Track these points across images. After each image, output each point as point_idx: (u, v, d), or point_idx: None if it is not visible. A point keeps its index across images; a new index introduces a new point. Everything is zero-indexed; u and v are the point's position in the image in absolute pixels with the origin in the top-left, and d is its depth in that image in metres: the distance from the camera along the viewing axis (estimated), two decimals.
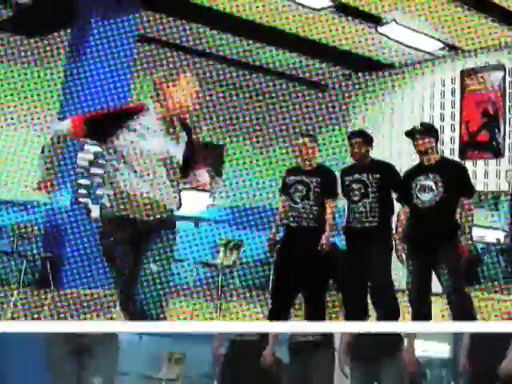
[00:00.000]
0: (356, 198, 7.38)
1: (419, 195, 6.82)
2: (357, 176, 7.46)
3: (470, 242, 6.71)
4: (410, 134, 7.08)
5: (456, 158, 13.84)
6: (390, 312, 7.20)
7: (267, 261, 13.26)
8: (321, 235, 7.32)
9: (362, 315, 7.38)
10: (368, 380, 4.99)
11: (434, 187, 6.69)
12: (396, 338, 4.91)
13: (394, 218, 7.37)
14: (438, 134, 7.42)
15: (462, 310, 6.64)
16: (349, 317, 7.41)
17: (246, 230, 13.49)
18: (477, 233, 17.29)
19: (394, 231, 7.29)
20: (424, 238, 6.76)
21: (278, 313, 7.42)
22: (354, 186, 7.42)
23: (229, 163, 17.31)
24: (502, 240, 19.52)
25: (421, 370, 6.49)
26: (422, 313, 6.80)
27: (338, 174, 7.74)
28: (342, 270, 7.61)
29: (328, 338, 5.10)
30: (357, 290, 7.38)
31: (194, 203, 15.39)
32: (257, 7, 11.97)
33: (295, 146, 7.75)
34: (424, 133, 6.94)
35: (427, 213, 6.75)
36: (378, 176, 7.36)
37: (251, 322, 7.30)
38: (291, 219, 7.54)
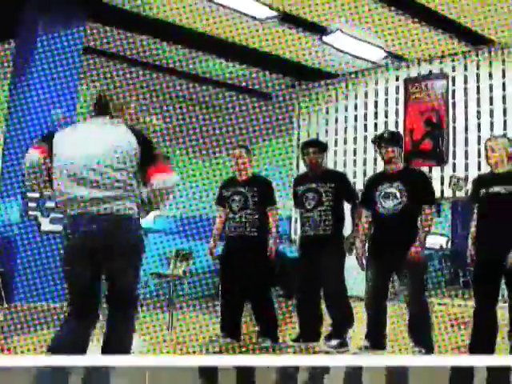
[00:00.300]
0: (310, 207, 7.44)
1: (383, 202, 6.92)
2: (311, 185, 7.52)
3: (421, 248, 6.81)
4: (376, 141, 7.24)
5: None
6: (343, 317, 7.30)
7: (217, 270, 13.30)
8: (262, 243, 7.48)
9: (317, 321, 7.47)
10: None
11: (397, 195, 6.77)
12: None
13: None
14: (403, 142, 7.57)
15: (422, 319, 6.76)
16: (303, 323, 7.50)
17: (194, 240, 13.48)
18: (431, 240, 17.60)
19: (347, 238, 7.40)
20: (386, 245, 6.84)
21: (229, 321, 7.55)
22: (308, 194, 7.48)
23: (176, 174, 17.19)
24: (445, 246, 19.89)
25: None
26: (377, 319, 6.88)
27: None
28: (296, 277, 7.69)
29: None
30: (311, 297, 7.47)
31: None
32: (202, 18, 12.00)
33: (231, 157, 7.92)
34: (390, 141, 7.06)
35: (390, 220, 6.85)
36: (332, 185, 7.43)
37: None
38: (232, 229, 7.68)
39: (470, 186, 12.55)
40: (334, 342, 7.14)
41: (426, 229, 6.80)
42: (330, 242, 7.39)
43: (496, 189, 6.54)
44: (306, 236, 7.54)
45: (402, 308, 7.00)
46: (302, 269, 7.60)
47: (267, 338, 7.40)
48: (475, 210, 6.81)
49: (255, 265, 7.42)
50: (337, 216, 7.48)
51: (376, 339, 6.82)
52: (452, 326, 9.00)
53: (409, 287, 6.74)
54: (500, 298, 6.54)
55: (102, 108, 4.75)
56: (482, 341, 6.44)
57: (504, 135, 10.07)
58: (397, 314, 7.29)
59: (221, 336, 7.55)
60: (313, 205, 7.45)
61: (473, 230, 6.75)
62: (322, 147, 7.81)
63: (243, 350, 7.15)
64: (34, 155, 4.63)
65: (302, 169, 15.90)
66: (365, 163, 14.68)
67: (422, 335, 6.69)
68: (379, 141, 7.12)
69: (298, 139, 16.26)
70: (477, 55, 13.33)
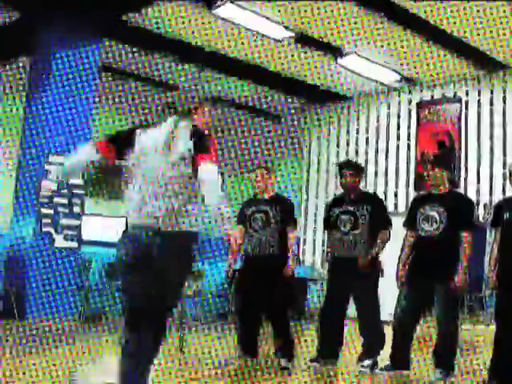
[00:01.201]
0: (346, 229, 7.42)
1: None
2: (348, 208, 7.50)
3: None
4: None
5: (411, 188, 14.06)
6: (377, 338, 7.25)
7: (225, 291, 13.28)
8: (282, 262, 7.42)
9: (338, 344, 7.42)
10: None
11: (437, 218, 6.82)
12: None
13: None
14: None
15: (452, 341, 6.74)
16: (324, 343, 7.43)
17: (203, 260, 13.45)
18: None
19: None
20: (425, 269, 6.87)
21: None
22: (344, 217, 7.46)
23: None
24: None
25: None
26: (405, 341, 6.86)
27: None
28: (325, 298, 7.67)
29: None
30: (337, 317, 7.42)
31: None
32: (218, 37, 12.03)
33: (253, 177, 7.85)
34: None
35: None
36: (368, 208, 7.41)
37: None
38: (251, 247, 7.60)
39: (481, 211, 12.78)
40: (368, 362, 7.10)
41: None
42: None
43: None
44: (339, 257, 7.52)
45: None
46: (331, 289, 7.56)
47: (284, 356, 7.34)
48: (496, 234, 6.77)
49: (276, 284, 7.38)
50: (373, 238, 7.44)
51: (401, 361, 6.79)
52: (464, 349, 8.99)
53: (444, 309, 6.73)
54: None
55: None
56: (506, 365, 6.40)
57: None
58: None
59: (238, 354, 7.51)
60: (349, 227, 7.43)
61: (495, 253, 6.72)
62: (357, 169, 7.73)
63: (261, 369, 7.10)
64: None
65: (311, 191, 16.09)
66: (376, 186, 14.68)
67: (448, 358, 6.66)
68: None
69: (309, 162, 16.29)
70: (490, 80, 13.37)
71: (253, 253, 7.60)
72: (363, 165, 14.79)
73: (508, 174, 6.87)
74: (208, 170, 4.17)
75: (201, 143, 4.31)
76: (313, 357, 7.42)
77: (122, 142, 4.49)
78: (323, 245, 15.06)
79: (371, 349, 7.24)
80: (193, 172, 4.23)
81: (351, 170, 7.55)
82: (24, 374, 5.85)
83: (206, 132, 4.53)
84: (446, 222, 6.76)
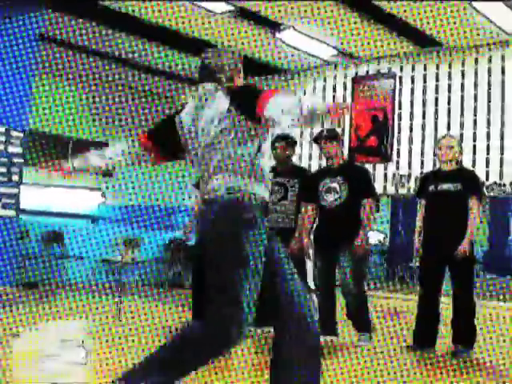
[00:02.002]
0: (276, 199, 7.62)
1: (325, 196, 7.19)
2: (278, 179, 7.70)
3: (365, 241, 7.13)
4: (317, 139, 7.46)
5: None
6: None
7: (162, 259, 13.48)
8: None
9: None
10: None
11: (338, 189, 7.06)
12: None
13: None
14: (342, 138, 7.89)
15: (360, 310, 7.10)
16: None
17: (140, 228, 13.61)
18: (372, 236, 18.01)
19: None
20: (328, 237, 7.11)
21: None
22: (274, 187, 7.62)
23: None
24: (383, 241, 20.39)
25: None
26: (328, 306, 7.08)
27: None
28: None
29: None
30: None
31: (85, 201, 15.52)
32: (159, 10, 12.09)
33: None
34: (330, 138, 7.31)
35: (332, 213, 7.13)
36: (295, 180, 7.63)
37: None
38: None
39: (412, 184, 13.15)
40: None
41: (367, 222, 7.08)
42: (291, 232, 7.54)
43: (445, 186, 6.85)
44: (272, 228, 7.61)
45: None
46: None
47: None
48: (421, 206, 7.10)
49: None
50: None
51: (327, 326, 6.93)
52: (391, 316, 9.36)
53: (350, 278, 7.02)
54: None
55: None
56: (426, 329, 6.78)
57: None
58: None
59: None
60: (279, 198, 7.65)
61: (419, 224, 7.05)
62: (289, 142, 7.89)
63: None
64: None
65: None
66: (310, 158, 14.96)
67: (362, 322, 6.95)
68: (320, 139, 7.38)
69: None
70: (425, 56, 13.69)
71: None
72: (297, 137, 15.18)
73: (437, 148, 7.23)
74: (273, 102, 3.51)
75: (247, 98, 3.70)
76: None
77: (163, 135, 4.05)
78: None
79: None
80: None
81: (282, 142, 7.78)
82: None
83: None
84: (346, 192, 7.14)
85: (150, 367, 3.41)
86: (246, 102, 3.61)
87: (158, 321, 8.23)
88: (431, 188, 6.97)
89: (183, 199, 14.67)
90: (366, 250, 7.16)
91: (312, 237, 7.34)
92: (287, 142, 7.80)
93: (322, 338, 6.62)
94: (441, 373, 5.63)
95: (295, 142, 8.06)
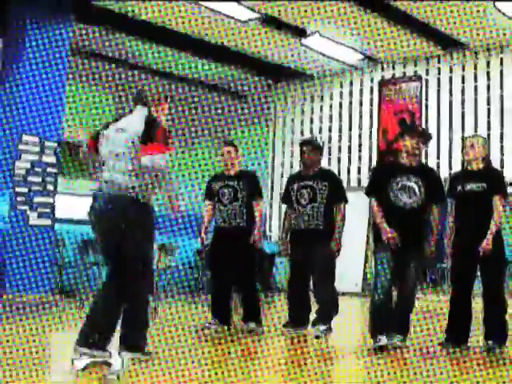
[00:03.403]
0: (305, 203, 7.79)
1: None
2: (307, 182, 7.88)
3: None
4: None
5: (374, 164, 14.46)
6: (330, 304, 7.67)
7: (196, 264, 13.65)
8: (249, 232, 7.89)
9: (306, 309, 7.82)
10: None
11: (416, 190, 7.06)
12: None
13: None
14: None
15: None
16: (293, 309, 7.84)
17: (175, 235, 13.76)
18: None
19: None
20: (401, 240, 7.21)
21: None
22: (303, 191, 7.82)
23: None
24: None
25: None
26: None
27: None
28: (290, 267, 8.04)
29: None
30: (303, 285, 7.83)
31: None
32: (185, 19, 12.29)
33: (220, 154, 8.31)
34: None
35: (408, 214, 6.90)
36: (325, 183, 7.77)
37: None
38: (222, 220, 8.04)
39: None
40: (323, 327, 7.48)
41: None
42: (322, 234, 7.71)
43: (470, 186, 6.89)
44: (298, 230, 7.88)
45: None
46: (295, 259, 7.93)
47: (252, 321, 7.74)
48: (451, 206, 7.16)
49: (244, 252, 7.81)
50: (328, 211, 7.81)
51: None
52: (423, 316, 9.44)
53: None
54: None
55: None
56: (458, 326, 6.87)
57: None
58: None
59: (212, 322, 7.87)
60: (308, 200, 7.81)
61: (451, 224, 7.11)
62: (317, 146, 8.08)
63: (232, 334, 7.46)
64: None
65: (276, 168, 16.43)
66: (339, 161, 15.10)
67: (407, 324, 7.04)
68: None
69: (274, 139, 16.63)
70: (451, 58, 13.78)
71: (222, 225, 8.02)
72: (326, 142, 15.33)
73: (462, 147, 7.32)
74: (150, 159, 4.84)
75: (150, 132, 4.99)
76: (285, 322, 7.85)
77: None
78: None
79: (325, 315, 7.64)
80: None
81: (310, 147, 7.95)
82: (7, 341, 6.19)
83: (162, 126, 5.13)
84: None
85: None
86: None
87: (186, 321, 8.42)
88: (459, 188, 7.02)
89: None
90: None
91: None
92: (314, 146, 7.97)
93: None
94: (473, 369, 5.70)
95: (322, 147, 8.24)
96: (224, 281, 7.97)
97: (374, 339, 6.53)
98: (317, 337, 7.39)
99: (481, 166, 6.99)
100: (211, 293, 8.25)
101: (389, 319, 6.62)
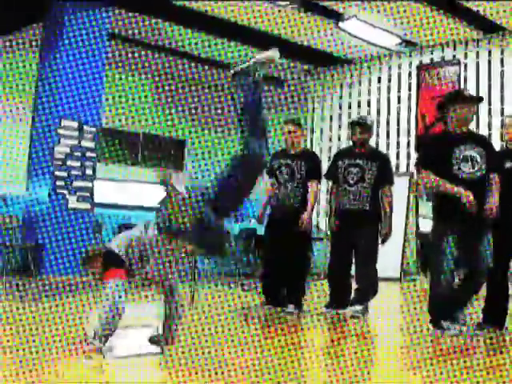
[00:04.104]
0: (352, 182, 7.78)
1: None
2: (356, 161, 7.85)
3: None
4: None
5: (412, 149, 14.41)
6: (370, 285, 7.70)
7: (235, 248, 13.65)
8: (298, 216, 7.76)
9: (348, 290, 7.81)
10: None
11: (479, 159, 6.87)
12: None
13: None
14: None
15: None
16: (334, 293, 7.85)
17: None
18: (427, 224, 17.88)
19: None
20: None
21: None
22: (352, 169, 7.81)
23: (189, 157, 17.60)
24: None
25: None
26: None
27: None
28: (332, 249, 8.05)
29: None
30: (345, 267, 7.84)
31: (154, 196, 15.81)
32: (223, 4, 12.31)
33: (284, 131, 8.12)
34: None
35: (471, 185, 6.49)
36: (375, 164, 7.76)
37: None
38: (275, 200, 8.01)
39: None
40: (359, 307, 7.50)
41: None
42: (368, 216, 7.74)
43: (508, 164, 6.77)
44: (343, 209, 7.87)
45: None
46: (338, 239, 7.92)
47: (292, 303, 7.76)
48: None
49: (297, 234, 7.76)
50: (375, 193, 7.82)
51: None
52: None
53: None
54: None
55: None
56: (495, 307, 6.81)
57: None
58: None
59: (264, 303, 7.94)
60: (355, 180, 7.79)
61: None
62: (366, 125, 7.97)
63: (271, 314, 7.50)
64: None
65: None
66: (377, 147, 15.05)
67: None
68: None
69: (312, 124, 16.62)
70: (489, 42, 13.67)
71: (276, 204, 8.02)
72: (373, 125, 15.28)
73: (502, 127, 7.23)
74: None
75: None
76: (326, 303, 7.85)
77: None
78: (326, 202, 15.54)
79: (364, 295, 7.65)
80: None
81: (360, 126, 7.91)
82: (47, 320, 6.28)
83: None
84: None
85: None
86: None
87: (227, 306, 8.44)
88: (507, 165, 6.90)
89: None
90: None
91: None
92: (364, 125, 7.93)
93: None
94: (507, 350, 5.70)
95: (371, 126, 8.09)
96: (279, 262, 7.92)
97: (436, 325, 6.37)
98: (353, 317, 7.41)
99: None
100: (264, 274, 8.26)
101: (453, 305, 6.42)
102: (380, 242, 7.79)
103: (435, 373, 4.51)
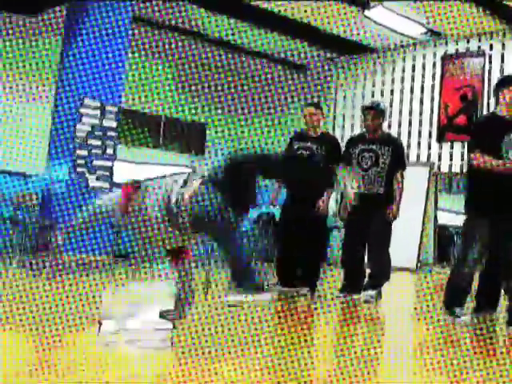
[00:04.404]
0: (366, 166, 7.78)
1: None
2: (370, 146, 7.88)
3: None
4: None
5: (434, 139, 14.36)
6: (383, 270, 7.72)
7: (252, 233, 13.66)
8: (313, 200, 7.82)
9: (362, 275, 7.83)
10: None
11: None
12: None
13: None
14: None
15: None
16: (348, 278, 7.84)
17: None
18: (445, 217, 17.85)
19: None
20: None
21: None
22: (366, 154, 7.82)
23: (211, 141, 17.65)
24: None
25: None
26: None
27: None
28: (345, 233, 8.06)
29: None
30: (359, 252, 7.85)
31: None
32: None
33: (303, 115, 8.22)
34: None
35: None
36: (388, 148, 7.76)
37: None
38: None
39: None
40: (372, 292, 7.52)
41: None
42: (382, 200, 7.75)
43: None
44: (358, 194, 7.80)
45: None
46: (352, 223, 7.94)
47: (307, 285, 7.78)
48: None
49: (313, 219, 7.82)
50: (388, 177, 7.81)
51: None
52: None
53: None
54: None
55: None
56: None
57: None
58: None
59: (276, 283, 7.95)
60: (369, 164, 7.79)
61: None
62: (380, 110, 8.01)
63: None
64: None
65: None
66: (399, 136, 14.99)
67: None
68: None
69: (335, 112, 16.58)
70: None
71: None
72: (388, 115, 15.24)
73: None
74: None
75: None
76: (340, 288, 7.87)
77: None
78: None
79: (377, 281, 7.67)
80: None
81: (373, 111, 7.91)
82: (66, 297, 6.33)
83: None
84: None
85: None
86: None
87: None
88: None
89: None
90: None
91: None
92: (376, 110, 7.93)
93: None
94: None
95: (384, 111, 8.10)
96: (293, 245, 7.94)
97: (449, 310, 6.41)
98: (366, 301, 7.43)
99: None
100: (278, 256, 8.30)
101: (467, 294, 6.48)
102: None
103: (433, 361, 4.50)
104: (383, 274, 7.71)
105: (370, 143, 7.87)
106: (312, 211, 7.69)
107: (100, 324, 4.83)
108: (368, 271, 7.79)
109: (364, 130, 8.20)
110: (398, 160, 7.83)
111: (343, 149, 8.15)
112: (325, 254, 8.34)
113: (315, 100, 16.09)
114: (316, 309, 7.06)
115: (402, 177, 7.83)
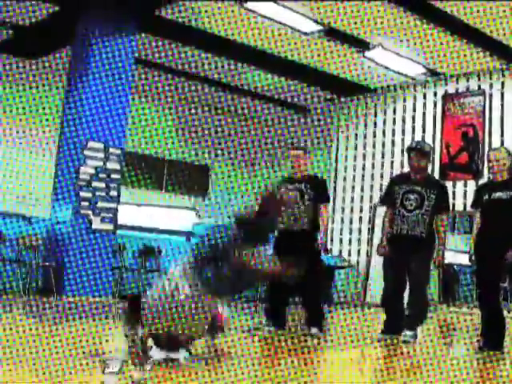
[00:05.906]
0: (411, 208, 7.78)
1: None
2: (415, 187, 7.83)
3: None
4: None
5: (436, 177, 14.40)
6: (421, 312, 7.71)
7: None
8: (311, 238, 7.81)
9: (401, 316, 7.79)
10: None
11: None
12: None
13: None
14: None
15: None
16: (389, 319, 7.82)
17: None
18: (450, 255, 17.83)
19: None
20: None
21: None
22: (410, 195, 7.82)
23: (214, 183, 17.70)
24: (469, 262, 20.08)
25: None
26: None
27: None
28: (385, 274, 8.01)
29: None
30: (400, 292, 7.84)
31: (181, 220, 15.91)
32: (247, 30, 12.44)
33: (291, 157, 8.25)
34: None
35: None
36: (433, 191, 7.78)
37: None
38: (282, 223, 7.90)
39: None
40: (410, 333, 7.46)
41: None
42: (423, 242, 7.71)
43: (497, 195, 7.08)
44: (399, 235, 7.80)
45: None
46: (393, 264, 7.84)
47: (315, 327, 7.74)
48: (478, 215, 7.32)
49: (311, 257, 7.75)
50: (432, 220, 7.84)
51: None
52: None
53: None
54: None
55: None
56: (491, 329, 6.95)
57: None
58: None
59: (266, 324, 7.90)
60: (414, 206, 7.79)
61: (475, 231, 7.30)
62: (423, 152, 7.92)
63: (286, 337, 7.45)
64: None
65: (339, 182, 16.41)
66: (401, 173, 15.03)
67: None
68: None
69: (337, 153, 16.62)
70: None
71: (283, 227, 7.92)
72: (389, 156, 15.31)
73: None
74: None
75: None
76: (381, 330, 7.79)
77: None
78: (350, 233, 15.58)
79: (415, 321, 7.64)
80: None
81: (418, 152, 7.83)
82: (66, 339, 6.31)
83: None
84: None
85: None
86: None
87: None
88: (485, 198, 7.18)
89: None
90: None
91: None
92: (421, 151, 7.94)
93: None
94: None
95: (429, 152, 8.07)
96: (284, 285, 7.89)
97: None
98: (404, 341, 7.37)
99: (505, 177, 7.18)
100: (268, 296, 8.27)
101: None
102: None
103: None
104: (421, 314, 7.69)
105: (415, 184, 7.81)
106: (308, 251, 7.73)
107: (105, 365, 4.79)
108: (406, 311, 7.74)
109: (408, 169, 8.13)
110: (443, 204, 7.84)
111: (385, 188, 8.27)
112: (321, 289, 8.29)
113: (316, 141, 16.20)
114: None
115: (447, 220, 7.88)
